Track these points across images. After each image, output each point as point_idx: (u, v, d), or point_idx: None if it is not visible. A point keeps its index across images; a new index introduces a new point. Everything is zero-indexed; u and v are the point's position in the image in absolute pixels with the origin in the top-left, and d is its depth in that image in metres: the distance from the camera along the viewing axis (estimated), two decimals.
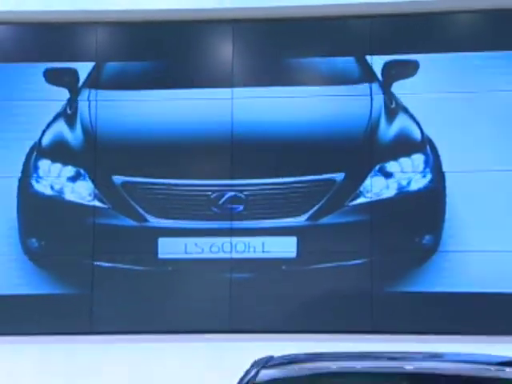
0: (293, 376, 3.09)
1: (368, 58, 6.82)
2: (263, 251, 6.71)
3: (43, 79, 6.96)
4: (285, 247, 6.69)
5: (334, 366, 3.13)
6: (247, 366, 3.13)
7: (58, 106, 6.96)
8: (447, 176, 6.62)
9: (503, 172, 6.54)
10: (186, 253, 6.75)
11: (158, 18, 6.95)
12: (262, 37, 7.08)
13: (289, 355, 3.31)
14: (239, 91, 6.84)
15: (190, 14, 6.92)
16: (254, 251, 6.70)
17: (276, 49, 6.99)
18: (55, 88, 6.98)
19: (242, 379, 3.00)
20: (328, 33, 6.94)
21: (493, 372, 2.99)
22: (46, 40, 7.12)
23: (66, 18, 6.95)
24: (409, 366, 3.04)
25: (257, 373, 3.01)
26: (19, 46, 7.14)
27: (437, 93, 6.70)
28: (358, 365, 3.17)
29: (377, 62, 6.79)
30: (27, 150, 6.87)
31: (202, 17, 6.93)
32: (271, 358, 3.20)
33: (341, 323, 6.48)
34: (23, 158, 6.87)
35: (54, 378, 6.44)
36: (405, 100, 6.73)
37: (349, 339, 6.01)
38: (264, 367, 3.06)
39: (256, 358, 3.23)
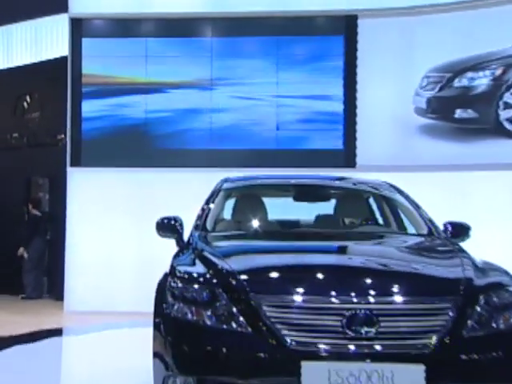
0: (239, 185, 5.30)
1: None
2: None
3: None
4: None
5: (264, 180, 5.65)
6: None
7: None
8: None
9: None
10: None
11: None
12: None
13: (240, 176, 5.64)
14: None
15: None
16: None
17: None
18: None
19: (213, 189, 5.08)
20: None
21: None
22: None
23: None
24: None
25: (222, 184, 5.14)
26: None
27: None
28: (277, 181, 5.69)
29: None
30: None
31: None
32: (228, 177, 5.32)
33: None
34: None
35: None
36: None
37: None
38: (225, 182, 5.21)
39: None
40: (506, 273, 3.73)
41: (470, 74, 8.80)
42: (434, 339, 3.18)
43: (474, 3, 8.81)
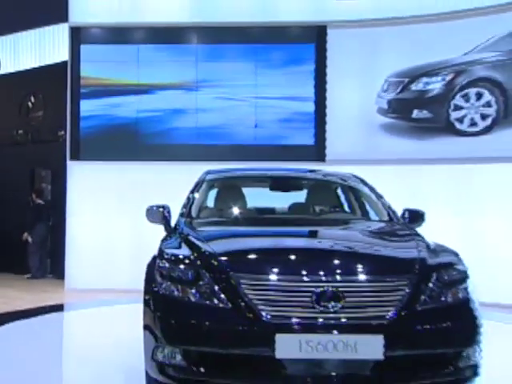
0: (220, 177, 5.32)
1: None
2: None
3: None
4: None
5: (243, 172, 5.64)
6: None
7: None
8: None
9: None
10: None
11: None
12: None
13: (222, 168, 5.60)
14: None
15: None
16: None
17: None
18: None
19: (197, 180, 5.08)
20: None
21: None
22: None
23: None
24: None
25: (205, 176, 5.15)
26: None
27: None
28: (255, 173, 5.71)
29: None
30: None
31: None
32: (211, 170, 5.30)
33: None
34: None
35: None
36: None
37: None
38: (208, 173, 5.19)
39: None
40: (455, 253, 3.76)
41: (425, 79, 8.83)
42: (391, 312, 3.20)
43: (428, 18, 8.85)
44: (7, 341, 5.72)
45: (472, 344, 3.38)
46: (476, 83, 8.62)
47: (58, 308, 7.82)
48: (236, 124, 9.32)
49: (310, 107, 9.26)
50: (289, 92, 9.27)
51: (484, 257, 8.15)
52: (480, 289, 3.70)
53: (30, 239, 10.93)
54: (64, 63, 9.88)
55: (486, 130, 8.62)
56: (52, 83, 10.87)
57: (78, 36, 9.57)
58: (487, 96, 8.57)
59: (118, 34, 9.55)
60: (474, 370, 3.40)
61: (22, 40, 11.83)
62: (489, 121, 8.61)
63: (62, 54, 10.62)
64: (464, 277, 3.53)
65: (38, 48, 11.60)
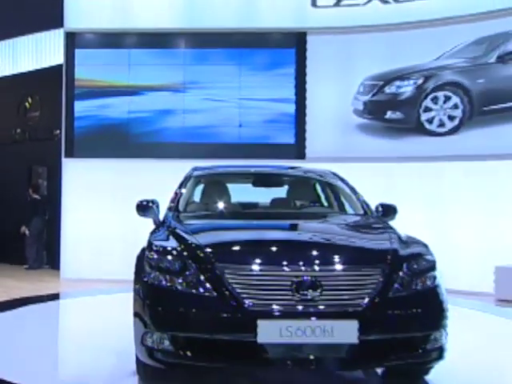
0: (206, 173, 5.24)
1: None
2: None
3: None
4: None
5: (228, 169, 5.54)
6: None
7: None
8: None
9: None
10: None
11: None
12: None
13: (208, 165, 5.59)
14: None
15: None
16: None
17: None
18: None
19: (185, 176, 5.01)
20: None
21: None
22: None
23: None
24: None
25: (192, 172, 5.08)
26: None
27: None
28: (239, 169, 5.55)
29: None
30: None
31: None
32: (198, 166, 5.26)
33: None
34: None
35: None
36: None
37: None
38: (195, 170, 5.14)
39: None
40: (424, 245, 3.77)
41: (397, 83, 8.86)
42: (366, 300, 3.21)
43: (401, 26, 8.89)
44: (7, 327, 5.68)
45: (439, 328, 3.41)
46: (444, 87, 8.66)
47: (54, 296, 7.78)
48: (221, 124, 9.29)
49: (291, 108, 9.25)
50: (271, 94, 9.25)
51: (451, 248, 8.23)
52: (446, 277, 3.72)
53: (27, 232, 10.83)
54: (59, 66, 9.80)
55: (454, 130, 8.68)
56: (48, 85, 10.78)
57: (72, 41, 9.49)
58: (454, 99, 8.62)
59: (111, 39, 9.48)
60: (441, 351, 3.44)
61: (20, 44, 11.78)
62: (456, 121, 8.67)
63: (57, 57, 10.55)
64: (432, 266, 3.55)
65: (35, 52, 11.53)
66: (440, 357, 3.45)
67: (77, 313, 6.87)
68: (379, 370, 4.03)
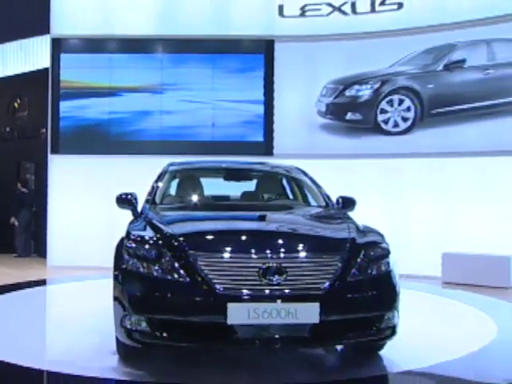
0: (181, 168, 5.11)
1: None
2: None
3: None
4: None
5: (202, 164, 5.58)
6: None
7: None
8: None
9: None
10: None
11: None
12: None
13: (183, 161, 5.46)
14: None
15: None
16: None
17: None
18: None
19: (161, 171, 4.93)
20: None
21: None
22: None
23: None
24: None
25: (168, 167, 4.99)
26: None
27: None
28: (212, 165, 5.59)
29: None
30: None
31: None
32: (173, 162, 5.15)
33: None
34: None
35: None
36: None
37: None
38: (171, 165, 5.04)
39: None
40: (380, 234, 3.79)
41: (356, 87, 8.89)
42: (326, 284, 3.21)
43: (359, 35, 8.94)
44: None
45: (392, 308, 3.44)
46: (398, 91, 8.73)
47: (42, 282, 7.69)
48: (196, 123, 9.22)
49: (260, 109, 9.22)
50: (242, 96, 9.21)
51: (404, 236, 8.33)
52: (399, 263, 3.75)
53: (16, 223, 10.68)
54: (46, 70, 9.65)
55: (407, 130, 8.76)
56: (35, 87, 10.65)
57: (58, 46, 9.33)
58: (407, 102, 8.69)
59: (93, 45, 9.33)
60: (393, 330, 3.47)
61: (9, 49, 11.64)
62: (409, 123, 8.74)
63: (44, 61, 10.38)
64: (387, 253, 3.57)
65: (24, 56, 11.36)
66: (392, 334, 3.48)
67: (62, 297, 6.78)
68: (338, 347, 4.05)
